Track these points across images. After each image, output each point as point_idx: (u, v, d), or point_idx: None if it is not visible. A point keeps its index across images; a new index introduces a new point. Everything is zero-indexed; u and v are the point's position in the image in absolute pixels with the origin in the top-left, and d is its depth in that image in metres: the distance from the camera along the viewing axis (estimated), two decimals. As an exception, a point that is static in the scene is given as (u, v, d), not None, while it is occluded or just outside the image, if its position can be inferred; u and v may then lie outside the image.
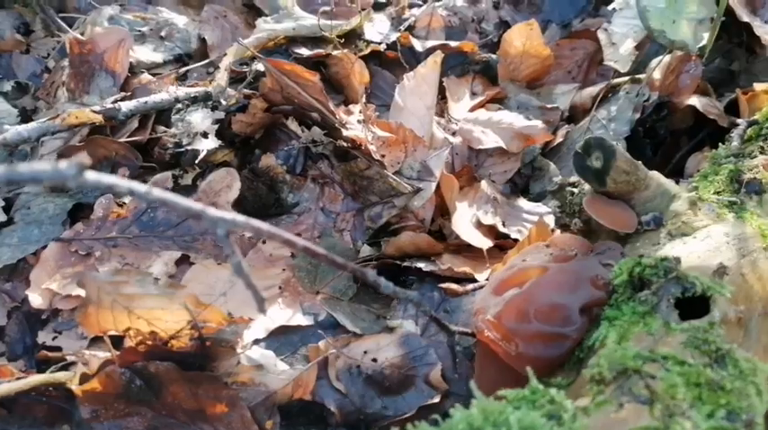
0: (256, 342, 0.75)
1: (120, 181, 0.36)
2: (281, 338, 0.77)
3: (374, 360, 0.76)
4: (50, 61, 1.13)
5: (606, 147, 0.70)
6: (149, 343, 0.66)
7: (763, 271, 0.66)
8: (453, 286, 0.81)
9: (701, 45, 1.01)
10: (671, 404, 0.46)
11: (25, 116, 1.05)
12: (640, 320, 0.56)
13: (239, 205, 0.91)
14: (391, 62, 1.16)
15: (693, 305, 0.58)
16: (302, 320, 0.79)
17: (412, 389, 0.74)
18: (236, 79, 0.98)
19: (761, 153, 0.83)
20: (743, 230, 0.70)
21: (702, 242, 0.68)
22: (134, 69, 1.01)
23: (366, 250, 0.87)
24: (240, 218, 0.40)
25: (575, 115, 1.12)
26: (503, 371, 0.60)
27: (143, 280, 0.62)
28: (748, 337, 0.59)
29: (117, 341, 0.73)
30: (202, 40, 1.08)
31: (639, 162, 0.72)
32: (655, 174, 0.73)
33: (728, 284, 0.58)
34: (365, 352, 0.77)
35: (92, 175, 0.34)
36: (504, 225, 0.94)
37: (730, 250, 0.67)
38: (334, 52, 1.04)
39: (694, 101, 1.02)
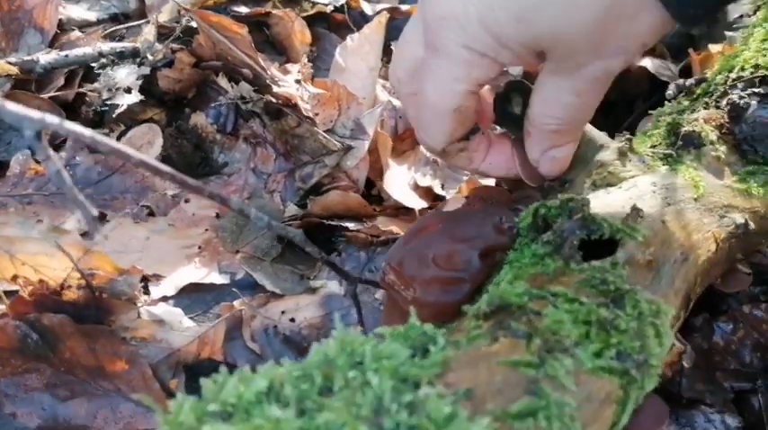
0: (164, 299, 0.72)
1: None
2: (193, 296, 0.74)
3: (292, 320, 0.73)
4: (-14, 23, 1.10)
5: (527, 92, 0.66)
6: (39, 292, 0.63)
7: (690, 220, 0.63)
8: (362, 236, 0.78)
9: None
10: (552, 339, 0.43)
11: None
12: (539, 262, 0.52)
13: (164, 163, 0.87)
14: (339, 25, 1.12)
15: (601, 250, 0.54)
16: (217, 279, 0.75)
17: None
18: (167, 36, 0.94)
19: (704, 109, 0.79)
20: (673, 181, 0.66)
21: (627, 191, 0.64)
22: (64, 27, 0.97)
23: (292, 209, 0.83)
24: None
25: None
26: (405, 318, 0.57)
27: (24, 222, 0.58)
28: (658, 281, 0.55)
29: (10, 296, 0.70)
30: (141, 1, 1.05)
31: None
32: (582, 122, 0.69)
33: (645, 229, 0.54)
34: (283, 312, 0.73)
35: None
36: (442, 187, 0.90)
37: (654, 198, 0.63)
38: (275, 11, 1.01)
39: (647, 62, 0.97)
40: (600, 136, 0.71)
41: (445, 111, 0.58)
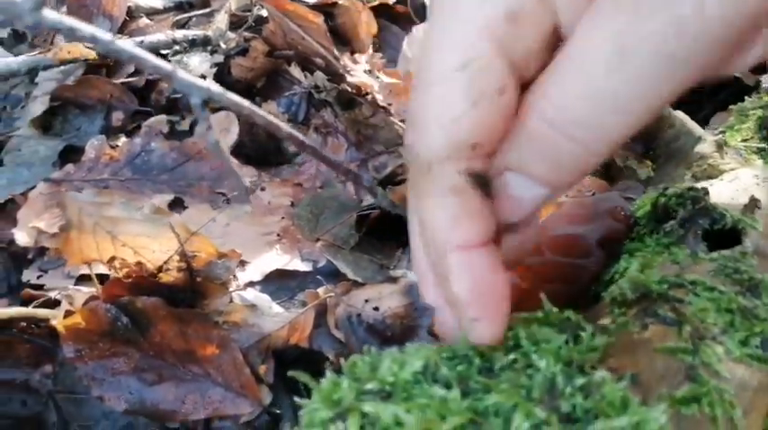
0: (251, 284, 0.71)
1: (81, 25, 0.32)
2: (278, 283, 0.73)
3: (376, 308, 0.72)
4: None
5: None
6: (136, 274, 0.62)
7: (795, 214, 0.62)
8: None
9: None
10: (701, 327, 0.42)
11: (21, 64, 1.01)
12: (665, 251, 0.51)
13: (238, 151, 0.87)
14: (401, 17, 1.11)
15: (722, 240, 0.54)
16: (300, 266, 0.75)
17: (414, 340, 0.70)
18: (237, 24, 0.94)
19: (791, 104, 0.78)
20: (773, 174, 0.65)
21: (731, 183, 0.63)
22: (132, 14, 0.97)
23: (369, 200, 0.82)
24: (216, 87, 0.36)
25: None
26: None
27: (127, 203, 0.58)
28: (781, 273, 0.54)
29: (105, 279, 0.69)
30: (205, -12, 1.04)
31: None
32: (679, 113, 0.68)
33: (764, 219, 0.54)
34: (366, 300, 0.72)
35: (51, 14, 0.30)
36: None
37: (760, 191, 0.62)
38: (342, 1, 1.00)
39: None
40: (696, 127, 0.70)
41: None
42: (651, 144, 0.68)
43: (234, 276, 0.69)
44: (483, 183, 0.34)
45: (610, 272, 0.53)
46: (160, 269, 0.61)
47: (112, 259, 0.61)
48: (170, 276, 0.62)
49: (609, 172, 0.70)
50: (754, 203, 0.55)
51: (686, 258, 0.50)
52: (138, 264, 0.61)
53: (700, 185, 0.61)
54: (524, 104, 0.33)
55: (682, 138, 0.68)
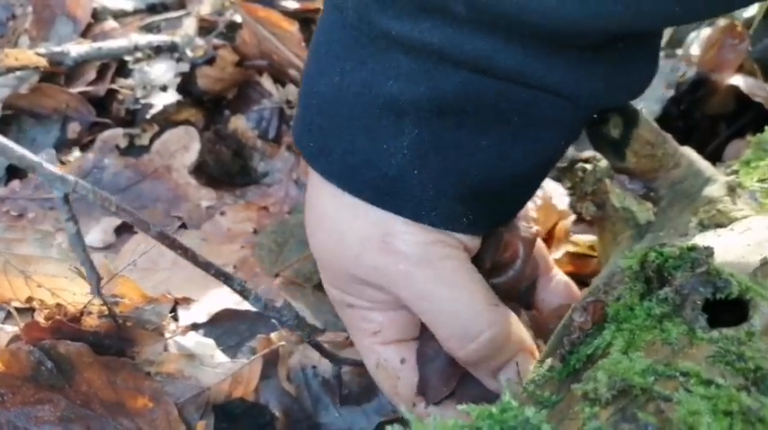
0: (195, 327, 0.63)
1: None
2: (227, 325, 0.65)
3: (334, 361, 0.64)
4: (18, 8, 1.03)
5: (627, 112, 0.57)
6: (56, 318, 0.55)
7: (817, 274, 0.53)
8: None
9: (747, 15, 0.87)
10: (691, 440, 0.33)
11: (-15, 66, 0.95)
12: (656, 325, 0.42)
13: (200, 170, 0.79)
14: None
15: (727, 311, 0.45)
16: (253, 306, 0.67)
17: (374, 401, 0.62)
18: (208, 29, 0.86)
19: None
20: (792, 224, 0.56)
21: (741, 235, 0.54)
22: (98, 16, 0.90)
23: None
24: (83, 183, 0.29)
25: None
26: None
27: (43, 239, 0.51)
28: (798, 356, 0.45)
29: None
30: (181, -10, 0.97)
31: (669, 134, 0.59)
32: (686, 150, 0.59)
33: (776, 287, 0.45)
34: (324, 351, 0.64)
35: None
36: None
37: (776, 246, 0.53)
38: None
39: (738, 80, 0.87)
40: (707, 167, 0.61)
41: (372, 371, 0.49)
42: (652, 184, 0.60)
43: (174, 318, 0.61)
44: None
45: (591, 344, 0.45)
46: (82, 313, 0.54)
47: (29, 299, 0.54)
48: (93, 320, 0.54)
49: (603, 213, 0.62)
50: (767, 268, 0.47)
51: (681, 337, 0.41)
52: (58, 306, 0.54)
53: (704, 244, 0.52)
54: None
55: (689, 179, 0.59)
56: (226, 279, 0.55)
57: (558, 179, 0.83)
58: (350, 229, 0.44)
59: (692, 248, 0.45)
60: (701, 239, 0.54)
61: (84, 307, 0.52)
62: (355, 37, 0.41)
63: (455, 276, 0.44)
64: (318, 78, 0.44)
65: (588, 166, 0.64)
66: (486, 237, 0.50)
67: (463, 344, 0.45)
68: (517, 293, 0.54)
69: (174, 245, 0.43)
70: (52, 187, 0.29)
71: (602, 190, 0.61)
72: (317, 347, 0.56)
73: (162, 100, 0.77)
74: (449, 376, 0.49)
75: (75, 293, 0.53)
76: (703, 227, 0.56)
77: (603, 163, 0.62)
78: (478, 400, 0.49)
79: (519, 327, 0.49)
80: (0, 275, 0.53)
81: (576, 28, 0.38)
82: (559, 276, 0.61)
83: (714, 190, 0.59)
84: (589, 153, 0.66)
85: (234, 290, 0.55)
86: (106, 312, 0.53)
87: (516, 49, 0.39)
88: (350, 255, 0.45)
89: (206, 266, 0.52)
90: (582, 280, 0.69)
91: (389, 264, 0.44)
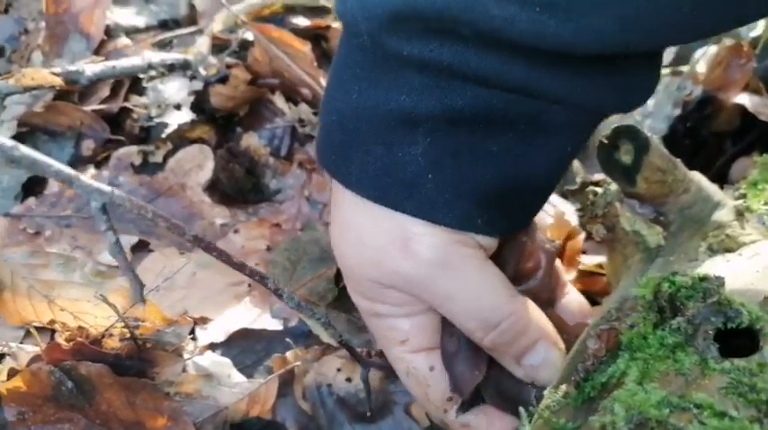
0: (213, 346, 0.64)
1: None
2: (243, 344, 0.66)
3: (348, 379, 0.65)
4: (30, 23, 1.04)
5: (639, 139, 0.58)
6: (78, 340, 0.56)
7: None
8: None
9: (753, 35, 0.88)
10: (707, 474, 0.35)
11: (-3, 80, 0.96)
12: (670, 355, 0.44)
13: (214, 188, 0.81)
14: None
15: (738, 339, 0.46)
16: (270, 324, 0.68)
17: (389, 419, 0.63)
18: (221, 47, 0.87)
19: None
20: (800, 249, 0.57)
21: (749, 261, 0.55)
22: (111, 33, 0.91)
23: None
24: (119, 192, 0.30)
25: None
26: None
27: (66, 264, 0.52)
28: (808, 386, 0.46)
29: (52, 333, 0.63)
30: (192, 6, 0.98)
31: (678, 160, 0.60)
32: (696, 175, 0.60)
33: (785, 315, 0.46)
34: (339, 369, 0.66)
35: None
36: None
37: (785, 272, 0.54)
38: (335, 24, 0.93)
39: (743, 98, 0.88)
40: (715, 191, 0.62)
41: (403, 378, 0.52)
42: (661, 209, 0.61)
43: (193, 338, 0.62)
44: None
45: (605, 372, 0.46)
46: (103, 335, 0.55)
47: (52, 322, 0.55)
48: (114, 342, 0.55)
49: (613, 235, 0.63)
50: (777, 297, 0.48)
51: (694, 367, 0.42)
52: (80, 328, 0.55)
53: (714, 268, 0.53)
54: None
55: (698, 204, 0.60)
56: (261, 278, 0.56)
57: (564, 196, 0.85)
58: (371, 236, 0.47)
59: (704, 278, 0.46)
60: (711, 265, 0.55)
61: (107, 330, 0.53)
62: (370, 59, 0.44)
63: (475, 273, 0.47)
64: (337, 97, 0.47)
65: (599, 190, 0.65)
66: (509, 245, 0.53)
67: (486, 333, 0.48)
68: (539, 305, 0.56)
69: (209, 248, 0.44)
70: (90, 198, 0.30)
71: (613, 213, 0.62)
72: (348, 348, 0.57)
73: (176, 119, 0.78)
74: (476, 364, 0.51)
75: (96, 316, 0.54)
76: (712, 251, 0.57)
77: (614, 186, 0.64)
78: (506, 397, 0.52)
79: (539, 316, 0.52)
80: (23, 299, 0.54)
81: (576, 49, 0.40)
82: (573, 294, 0.62)
83: (723, 214, 0.60)
84: (599, 176, 0.67)
85: (269, 289, 0.56)
86: (127, 335, 0.54)
87: (521, 65, 0.42)
88: (373, 261, 0.47)
89: (240, 267, 0.53)
90: (591, 297, 0.70)
91: (411, 267, 0.46)
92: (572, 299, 0.62)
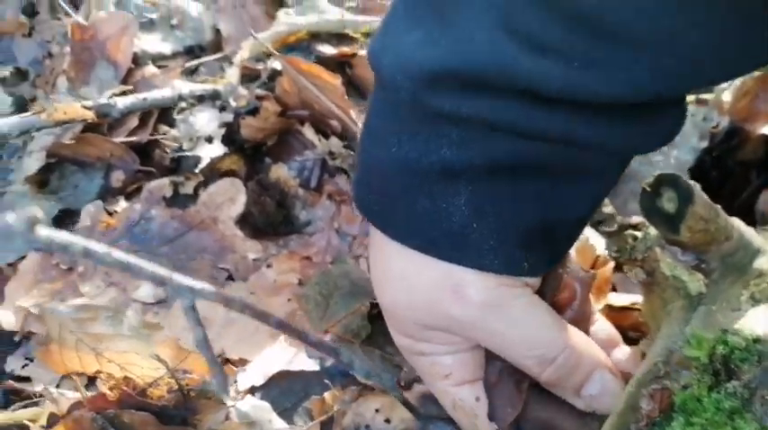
0: (253, 390, 0.64)
1: (75, 239, 0.26)
2: (282, 385, 0.66)
3: (387, 421, 0.65)
4: (54, 46, 1.04)
5: (682, 188, 0.58)
6: (123, 389, 0.56)
7: None
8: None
9: (780, 65, 0.88)
10: None
11: (22, 105, 0.96)
12: (728, 421, 0.44)
13: (244, 221, 0.80)
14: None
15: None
16: (307, 364, 0.68)
17: (429, 460, 0.63)
18: (249, 77, 0.87)
19: None
20: (843, 297, 0.58)
21: (793, 311, 0.56)
22: (138, 60, 0.91)
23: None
24: (210, 288, 0.30)
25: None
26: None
27: (114, 317, 0.52)
28: None
29: (93, 377, 0.63)
30: (217, 32, 0.98)
31: (719, 206, 0.60)
32: (736, 221, 0.60)
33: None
34: (377, 410, 0.66)
35: (44, 232, 0.25)
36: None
37: (829, 324, 0.54)
38: (361, 52, 0.93)
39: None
40: (753, 236, 0.62)
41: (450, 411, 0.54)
42: (704, 256, 0.61)
43: (234, 381, 0.63)
44: None
45: (660, 433, 0.46)
46: (149, 385, 0.55)
47: (98, 372, 0.55)
48: (160, 391, 0.55)
49: (652, 279, 0.63)
50: (828, 357, 0.48)
51: (752, 434, 0.43)
52: (126, 379, 0.55)
53: (758, 320, 0.53)
54: None
55: (740, 251, 0.60)
56: (288, 328, 0.55)
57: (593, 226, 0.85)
58: (420, 283, 0.48)
59: (757, 340, 0.46)
60: (754, 315, 0.55)
61: (154, 381, 0.53)
62: (408, 113, 0.45)
63: (526, 311, 0.49)
64: (376, 150, 0.48)
65: (638, 234, 0.65)
66: (544, 277, 0.53)
67: (543, 368, 0.50)
68: None
69: (261, 315, 0.43)
70: (181, 296, 0.30)
71: (653, 258, 0.62)
72: (405, 403, 0.58)
73: (208, 152, 0.78)
74: (515, 400, 0.53)
75: (143, 367, 0.54)
76: (755, 301, 0.58)
77: (653, 230, 0.64)
78: (545, 426, 0.54)
79: (591, 346, 0.54)
80: (70, 351, 0.54)
81: (611, 101, 0.42)
82: (601, 323, 0.63)
83: (764, 262, 0.60)
84: (638, 219, 0.67)
85: (298, 338, 0.55)
86: (174, 386, 0.54)
87: (560, 117, 0.43)
88: (422, 307, 0.49)
89: (264, 317, 0.52)
90: (621, 330, 0.70)
91: (463, 312, 0.48)
92: (600, 328, 0.63)
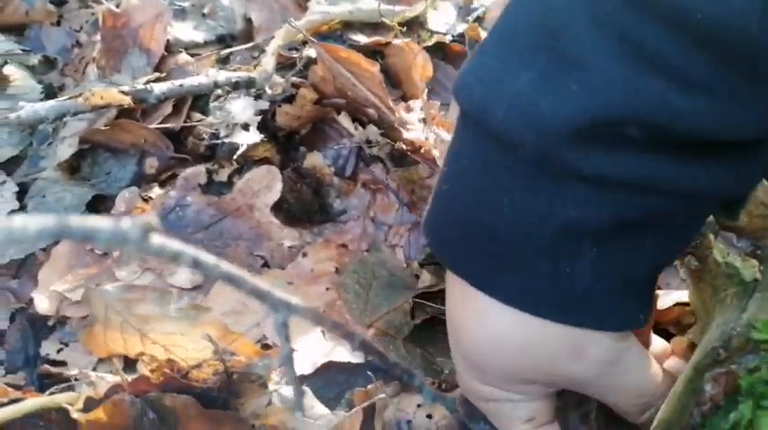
0: (302, 379, 0.63)
1: (186, 249, 0.26)
2: (326, 376, 0.65)
3: (429, 416, 0.64)
4: (83, 35, 1.03)
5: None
6: (166, 371, 0.55)
7: None
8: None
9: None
10: None
11: (51, 93, 0.95)
12: (801, 403, 0.43)
13: (279, 208, 0.79)
14: (456, 56, 1.03)
15: None
16: (351, 357, 0.67)
17: (469, 457, 0.62)
18: (283, 65, 0.86)
19: None
20: None
21: None
22: (171, 48, 0.90)
23: (426, 279, 0.74)
24: (304, 305, 0.30)
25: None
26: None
27: (161, 298, 0.51)
28: None
29: (130, 361, 0.62)
30: (248, 21, 0.97)
31: (776, 192, 0.59)
32: (793, 207, 0.59)
33: None
34: (419, 405, 0.64)
35: (157, 240, 0.24)
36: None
37: None
38: (395, 41, 0.92)
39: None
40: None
41: None
42: (760, 242, 0.59)
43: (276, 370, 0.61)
44: None
45: (727, 418, 0.45)
46: (193, 367, 0.54)
47: (141, 354, 0.54)
48: (204, 374, 0.54)
49: (703, 266, 0.61)
50: None
51: (830, 419, 0.41)
52: (170, 361, 0.54)
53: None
54: None
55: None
56: (339, 328, 0.54)
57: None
58: (535, 345, 0.46)
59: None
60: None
61: (198, 364, 0.52)
62: (524, 169, 0.41)
63: (637, 364, 0.49)
64: (481, 209, 0.44)
65: (690, 221, 0.63)
66: None
67: (643, 413, 0.51)
68: None
69: (348, 336, 0.42)
70: (277, 311, 0.29)
71: (706, 245, 0.61)
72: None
73: (245, 139, 0.77)
74: None
75: (188, 349, 0.53)
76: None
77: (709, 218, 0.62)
78: None
79: (668, 377, 0.53)
80: (115, 332, 0.53)
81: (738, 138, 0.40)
82: (651, 336, 0.62)
83: (822, 249, 0.58)
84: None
85: (343, 338, 0.54)
86: (220, 368, 0.53)
87: (692, 171, 0.41)
88: (529, 366, 0.47)
89: (321, 320, 0.52)
90: (662, 328, 0.69)
91: (583, 370, 0.47)
92: (653, 343, 0.62)
